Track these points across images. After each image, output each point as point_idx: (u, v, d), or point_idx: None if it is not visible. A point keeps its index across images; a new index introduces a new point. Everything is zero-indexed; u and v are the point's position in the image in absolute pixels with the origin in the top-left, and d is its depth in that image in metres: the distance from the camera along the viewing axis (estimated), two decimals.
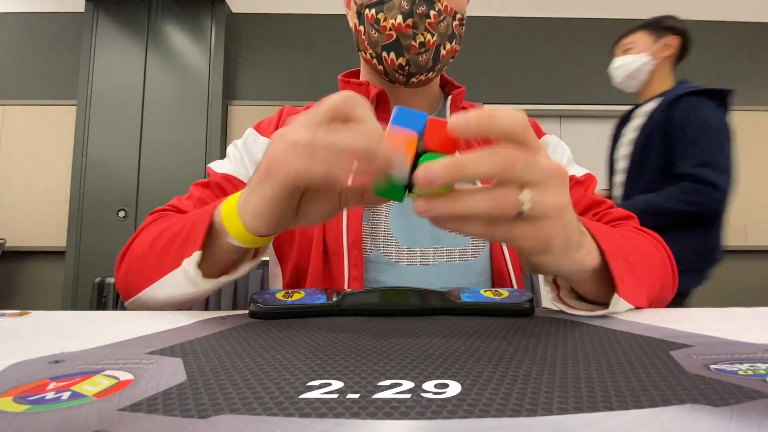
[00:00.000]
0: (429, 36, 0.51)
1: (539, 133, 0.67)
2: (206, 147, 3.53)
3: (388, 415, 0.16)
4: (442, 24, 0.52)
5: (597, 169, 3.41)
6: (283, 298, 0.41)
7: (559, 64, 3.86)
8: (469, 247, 0.56)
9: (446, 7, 0.52)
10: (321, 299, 0.41)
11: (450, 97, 0.62)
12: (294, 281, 0.59)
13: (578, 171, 0.65)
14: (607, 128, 3.93)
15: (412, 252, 0.55)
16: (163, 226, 0.46)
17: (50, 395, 0.18)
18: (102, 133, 3.40)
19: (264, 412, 0.16)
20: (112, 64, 3.46)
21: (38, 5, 3.70)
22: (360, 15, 0.55)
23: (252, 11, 3.85)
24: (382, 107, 0.59)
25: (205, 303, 1.78)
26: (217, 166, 0.63)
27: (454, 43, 0.55)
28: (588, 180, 0.64)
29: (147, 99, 3.47)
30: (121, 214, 3.38)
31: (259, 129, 0.64)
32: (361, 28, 0.55)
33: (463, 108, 0.66)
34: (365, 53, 0.58)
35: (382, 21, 0.52)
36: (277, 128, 0.62)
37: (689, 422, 0.15)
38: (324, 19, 3.80)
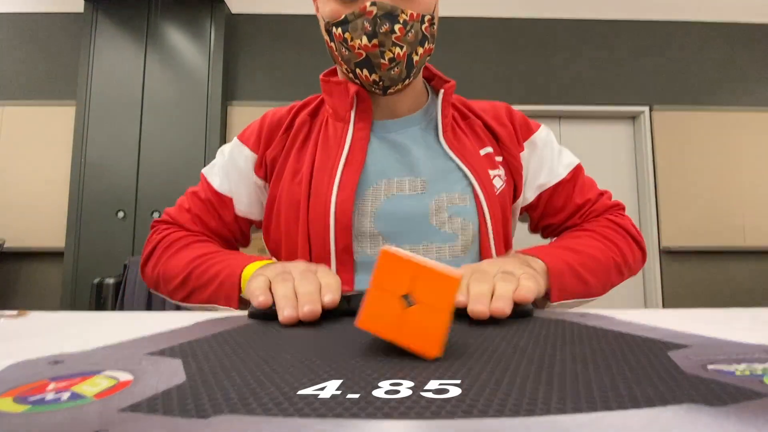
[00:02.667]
0: (398, 50, 0.51)
1: (530, 130, 0.65)
2: (205, 147, 3.52)
3: (388, 416, 0.16)
4: (410, 33, 0.51)
5: (596, 169, 3.41)
6: None
7: (558, 65, 3.86)
8: (458, 245, 0.56)
9: (411, 15, 0.50)
10: None
11: (442, 92, 0.61)
12: None
13: (566, 168, 0.64)
14: (607, 129, 3.95)
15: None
16: (191, 260, 0.55)
17: (50, 396, 0.18)
18: (101, 133, 3.39)
19: (263, 413, 0.16)
20: (111, 64, 3.46)
21: (37, 6, 3.70)
22: (329, 32, 0.55)
23: (251, 12, 3.86)
24: (362, 106, 0.58)
25: None
26: (209, 174, 0.64)
27: (426, 45, 0.54)
28: (574, 177, 0.64)
29: (146, 100, 3.47)
30: (120, 214, 3.37)
31: (243, 138, 0.63)
32: (333, 45, 0.56)
33: (453, 104, 0.64)
34: (341, 67, 0.58)
35: (350, 41, 0.51)
36: (259, 136, 0.62)
37: (687, 422, 0.15)
38: None
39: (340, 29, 0.52)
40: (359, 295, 0.41)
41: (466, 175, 0.57)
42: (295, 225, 0.56)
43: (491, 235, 0.57)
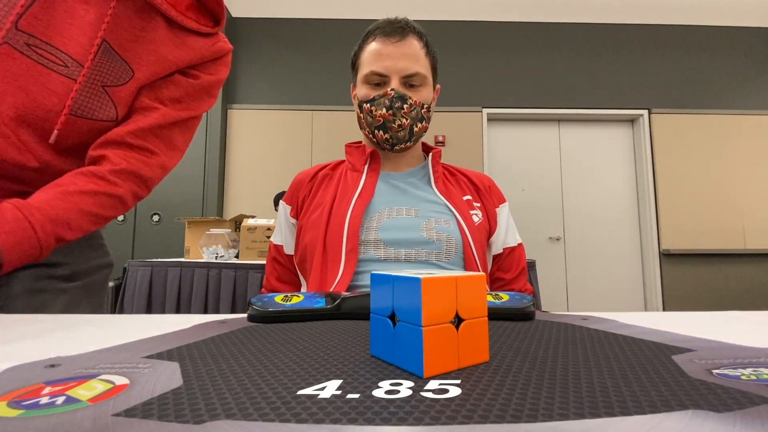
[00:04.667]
0: (404, 120, 0.75)
1: (502, 199, 0.84)
2: (206, 150, 3.53)
3: (386, 421, 0.15)
4: (413, 112, 0.75)
5: (595, 173, 3.38)
6: (281, 302, 0.41)
7: (558, 69, 3.87)
8: (443, 252, 0.72)
9: (416, 101, 0.75)
10: (320, 303, 0.41)
11: (431, 155, 0.83)
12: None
13: (515, 239, 0.83)
14: (606, 133, 3.96)
15: (398, 252, 0.71)
16: None
17: (45, 400, 0.18)
18: None
19: (260, 418, 0.16)
20: None
21: None
22: (360, 107, 0.78)
23: (252, 15, 3.87)
24: (373, 163, 0.81)
25: (204, 307, 1.78)
26: (274, 236, 0.85)
27: (423, 123, 0.78)
28: (520, 248, 0.83)
29: None
30: (120, 218, 3.37)
31: (284, 199, 0.84)
32: (362, 115, 0.79)
33: (446, 167, 0.86)
34: (364, 131, 0.81)
35: (374, 111, 0.75)
36: (291, 191, 0.83)
37: (692, 428, 0.14)
38: (324, 24, 3.82)
39: (368, 104, 0.76)
40: (351, 298, 0.41)
41: (450, 210, 0.76)
42: (316, 238, 0.74)
43: (473, 246, 0.73)
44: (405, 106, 0.74)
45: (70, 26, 0.58)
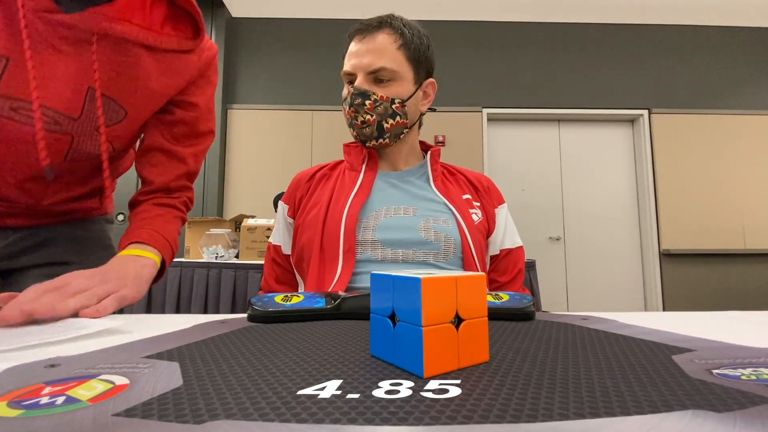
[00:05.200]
0: (368, 116, 0.73)
1: (501, 200, 0.84)
2: None
3: (386, 421, 0.15)
4: (379, 107, 0.73)
5: (595, 173, 3.38)
6: (281, 302, 0.41)
7: (558, 69, 3.87)
8: (441, 252, 0.71)
9: (381, 96, 0.73)
10: (320, 303, 0.41)
11: (430, 153, 0.83)
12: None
13: (514, 242, 0.81)
14: (606, 133, 3.96)
15: (396, 253, 0.70)
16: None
17: (45, 400, 0.18)
18: None
19: (260, 418, 0.16)
20: None
21: None
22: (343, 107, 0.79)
23: (252, 16, 3.87)
24: (371, 162, 0.80)
25: (204, 307, 1.78)
26: (272, 237, 0.85)
27: (397, 119, 0.75)
28: (518, 251, 0.81)
29: None
30: (120, 217, 3.37)
31: (283, 199, 0.85)
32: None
33: (444, 166, 0.85)
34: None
35: (345, 110, 0.75)
36: (290, 191, 0.83)
37: (692, 428, 0.15)
38: (323, 24, 3.82)
39: (343, 104, 0.76)
40: (351, 298, 0.41)
41: (450, 209, 0.75)
42: (312, 238, 0.73)
43: (472, 246, 0.72)
44: (367, 102, 0.72)
45: (50, 81, 0.56)
